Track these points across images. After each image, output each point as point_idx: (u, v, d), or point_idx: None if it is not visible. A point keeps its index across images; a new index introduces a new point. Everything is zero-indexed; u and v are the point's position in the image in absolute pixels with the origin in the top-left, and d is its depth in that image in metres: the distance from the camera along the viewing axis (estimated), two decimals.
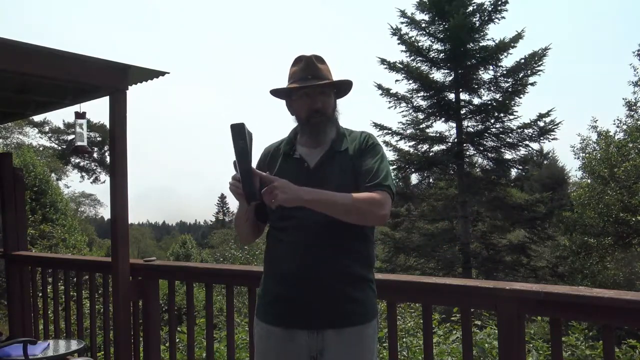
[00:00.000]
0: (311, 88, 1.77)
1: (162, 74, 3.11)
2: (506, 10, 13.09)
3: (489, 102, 13.32)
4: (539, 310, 2.12)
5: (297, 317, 1.73)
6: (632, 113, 15.36)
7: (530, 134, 13.22)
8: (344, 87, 1.86)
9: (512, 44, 12.91)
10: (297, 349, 1.73)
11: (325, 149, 1.81)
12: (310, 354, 1.72)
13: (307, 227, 1.71)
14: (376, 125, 13.81)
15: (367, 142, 1.83)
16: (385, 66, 13.47)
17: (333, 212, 1.64)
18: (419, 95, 13.68)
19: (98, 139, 25.94)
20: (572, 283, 12.60)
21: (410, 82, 13.56)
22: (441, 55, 13.51)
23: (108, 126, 3.24)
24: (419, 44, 13.63)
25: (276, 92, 1.87)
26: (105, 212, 37.44)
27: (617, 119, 15.49)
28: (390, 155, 13.80)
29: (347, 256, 1.74)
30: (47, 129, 25.79)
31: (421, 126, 13.90)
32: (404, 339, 4.53)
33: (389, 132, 13.78)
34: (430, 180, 14.65)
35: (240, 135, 1.49)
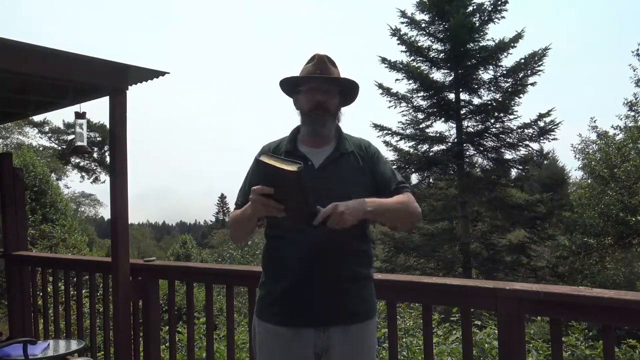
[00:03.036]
0: (317, 81, 1.79)
1: (162, 74, 3.11)
2: (506, 10, 13.12)
3: (489, 102, 13.33)
4: (539, 310, 2.13)
5: (303, 315, 1.73)
6: (633, 113, 15.34)
7: (530, 134, 13.23)
8: (349, 89, 1.86)
9: (512, 44, 12.91)
10: (303, 347, 1.73)
11: (331, 150, 1.82)
12: (316, 351, 1.72)
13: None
14: (376, 126, 13.82)
15: (372, 149, 1.89)
16: (385, 65, 13.48)
17: (389, 219, 1.76)
18: (419, 95, 13.70)
19: (98, 139, 25.91)
20: (572, 283, 12.59)
21: (410, 82, 13.58)
22: (441, 55, 13.52)
23: (108, 126, 3.24)
24: (419, 44, 13.64)
25: (285, 85, 1.89)
26: (105, 212, 37.40)
27: (618, 118, 15.47)
28: (390, 155, 13.84)
29: (352, 256, 1.75)
30: (47, 129, 25.78)
31: (421, 126, 13.91)
32: (404, 339, 4.53)
33: (389, 132, 13.79)
34: (430, 180, 14.65)
35: (299, 178, 1.46)
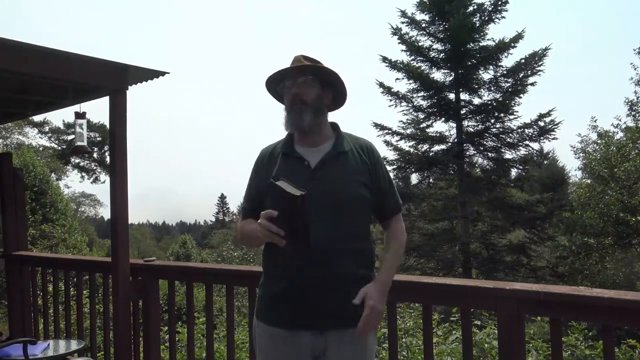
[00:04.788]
0: (288, 77, 1.78)
1: (162, 74, 3.11)
2: (506, 10, 13.11)
3: (489, 102, 13.33)
4: (539, 310, 2.13)
5: (301, 318, 1.72)
6: (633, 113, 15.34)
7: (530, 134, 13.23)
8: (324, 74, 1.82)
9: (512, 44, 12.91)
10: (300, 350, 1.72)
11: (328, 149, 1.81)
12: (313, 354, 1.72)
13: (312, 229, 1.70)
14: (376, 125, 13.82)
15: (375, 154, 1.87)
16: (386, 64, 13.48)
17: None
18: (419, 95, 13.70)
19: (98, 139, 25.92)
20: (572, 283, 12.58)
21: (411, 81, 13.58)
22: (441, 55, 13.52)
23: (108, 126, 3.23)
24: (419, 43, 13.64)
25: (273, 94, 1.90)
26: (105, 212, 37.45)
27: (617, 118, 15.47)
28: (390, 154, 13.84)
29: (352, 257, 1.74)
30: (47, 129, 25.78)
31: (421, 126, 13.91)
32: (404, 339, 4.53)
33: (389, 131, 13.79)
34: (430, 180, 14.66)
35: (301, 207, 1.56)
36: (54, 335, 4.12)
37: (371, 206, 1.82)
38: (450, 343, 4.36)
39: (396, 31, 13.54)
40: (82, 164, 27.54)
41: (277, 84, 1.85)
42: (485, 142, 13.62)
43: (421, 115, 13.87)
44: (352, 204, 1.74)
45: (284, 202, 1.56)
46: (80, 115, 3.52)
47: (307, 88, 1.78)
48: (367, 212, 1.81)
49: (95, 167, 28.12)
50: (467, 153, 13.79)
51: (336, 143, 1.82)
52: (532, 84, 13.06)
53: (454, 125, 13.59)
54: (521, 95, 13.11)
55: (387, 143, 13.86)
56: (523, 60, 12.90)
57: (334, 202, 1.71)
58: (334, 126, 1.89)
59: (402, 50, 13.69)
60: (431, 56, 13.59)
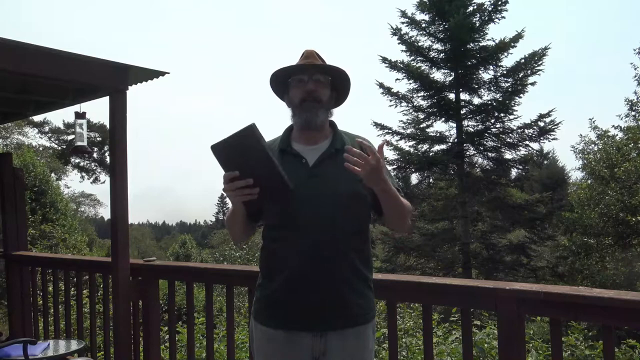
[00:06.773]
0: (306, 72, 1.77)
1: (162, 74, 3.11)
2: (506, 10, 13.13)
3: (489, 102, 13.33)
4: (539, 310, 2.13)
5: (299, 319, 1.70)
6: (634, 113, 15.33)
7: (530, 134, 13.24)
8: (340, 79, 1.83)
9: (512, 44, 12.92)
10: (299, 352, 1.70)
11: (326, 146, 1.79)
12: (313, 355, 1.70)
13: (309, 226, 1.68)
14: (376, 124, 13.83)
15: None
16: (386, 65, 13.49)
17: (392, 211, 1.71)
18: (419, 95, 13.71)
19: (98, 139, 25.91)
20: (572, 283, 12.59)
21: (411, 81, 13.59)
22: (441, 55, 13.53)
23: (108, 126, 3.24)
24: (419, 43, 13.65)
25: (275, 85, 1.87)
26: (105, 212, 37.46)
27: (620, 117, 15.45)
28: (390, 154, 13.85)
29: (350, 255, 1.72)
30: (47, 129, 25.77)
31: (421, 126, 13.92)
32: (404, 339, 4.53)
33: (389, 131, 13.80)
34: (430, 180, 14.66)
35: (255, 138, 1.47)
36: (54, 335, 4.12)
37: (370, 203, 1.81)
38: (450, 343, 4.36)
39: (396, 31, 13.54)
40: (82, 164, 27.51)
41: (288, 77, 1.82)
42: (485, 142, 13.63)
43: (421, 115, 13.88)
44: (350, 202, 1.72)
45: (237, 151, 1.48)
46: (80, 115, 3.52)
47: (322, 87, 1.78)
48: (366, 209, 1.79)
49: (95, 167, 28.11)
50: (467, 153, 13.80)
51: (334, 141, 1.81)
52: (532, 84, 13.09)
53: (454, 125, 13.59)
54: (521, 95, 13.12)
55: (387, 143, 13.84)
56: (523, 60, 12.91)
57: (333, 200, 1.69)
58: (331, 124, 1.88)
59: (402, 51, 13.72)
60: (431, 56, 13.60)
